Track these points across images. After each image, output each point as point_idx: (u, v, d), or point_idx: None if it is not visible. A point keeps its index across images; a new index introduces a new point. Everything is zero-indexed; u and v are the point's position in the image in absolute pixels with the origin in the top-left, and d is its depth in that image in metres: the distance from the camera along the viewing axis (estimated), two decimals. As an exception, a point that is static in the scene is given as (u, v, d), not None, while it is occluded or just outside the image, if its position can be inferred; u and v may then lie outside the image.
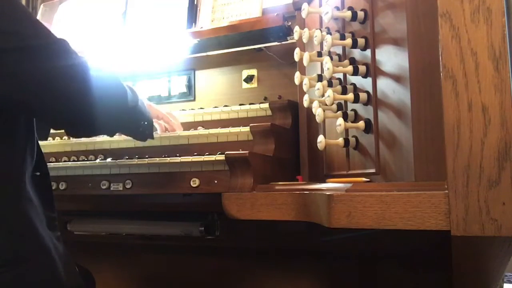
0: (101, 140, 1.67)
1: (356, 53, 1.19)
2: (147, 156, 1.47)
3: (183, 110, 1.79)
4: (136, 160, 1.44)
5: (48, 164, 1.56)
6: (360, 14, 1.16)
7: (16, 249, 1.06)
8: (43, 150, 1.24)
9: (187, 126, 1.71)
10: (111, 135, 1.41)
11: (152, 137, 1.36)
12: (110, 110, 1.15)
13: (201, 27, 1.73)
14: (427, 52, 0.99)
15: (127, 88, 1.20)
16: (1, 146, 1.07)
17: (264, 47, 1.68)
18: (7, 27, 1.00)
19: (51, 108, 1.06)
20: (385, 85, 1.10)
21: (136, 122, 1.26)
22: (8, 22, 1.00)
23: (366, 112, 1.16)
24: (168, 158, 1.40)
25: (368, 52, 1.15)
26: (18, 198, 1.08)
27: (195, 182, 1.34)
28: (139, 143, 1.68)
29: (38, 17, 2.25)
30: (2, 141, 1.07)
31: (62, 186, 1.53)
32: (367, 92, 1.15)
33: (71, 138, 1.72)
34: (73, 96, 1.05)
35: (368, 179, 1.12)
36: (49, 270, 1.10)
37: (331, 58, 1.20)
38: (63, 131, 1.36)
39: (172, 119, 1.53)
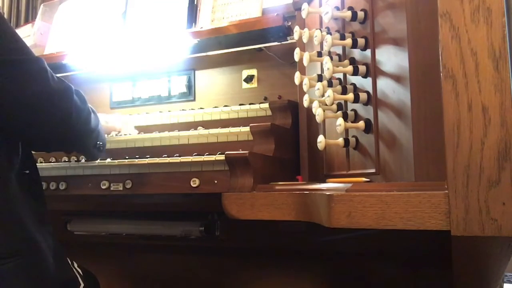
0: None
1: (356, 53, 1.19)
2: (147, 156, 1.47)
3: (183, 110, 1.79)
4: (136, 160, 1.44)
5: (48, 164, 1.56)
6: (360, 14, 1.16)
7: (7, 244, 1.07)
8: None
9: (187, 126, 1.71)
10: (70, 152, 1.47)
11: (104, 156, 1.42)
12: (79, 129, 1.20)
13: (201, 27, 1.73)
14: (427, 52, 0.99)
15: (91, 111, 1.25)
16: None
17: (264, 47, 1.68)
18: None
19: (20, 121, 1.11)
20: (385, 85, 1.10)
21: (93, 142, 1.31)
22: None
23: (366, 112, 1.16)
24: (168, 158, 1.40)
25: (368, 52, 1.15)
26: (6, 196, 1.10)
27: (195, 182, 1.34)
28: (139, 144, 1.68)
29: (38, 17, 2.26)
30: None
31: (62, 186, 1.53)
32: (367, 92, 1.15)
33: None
34: (42, 110, 1.11)
35: (368, 179, 1.12)
36: (39, 263, 1.12)
37: (331, 58, 1.20)
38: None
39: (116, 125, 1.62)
